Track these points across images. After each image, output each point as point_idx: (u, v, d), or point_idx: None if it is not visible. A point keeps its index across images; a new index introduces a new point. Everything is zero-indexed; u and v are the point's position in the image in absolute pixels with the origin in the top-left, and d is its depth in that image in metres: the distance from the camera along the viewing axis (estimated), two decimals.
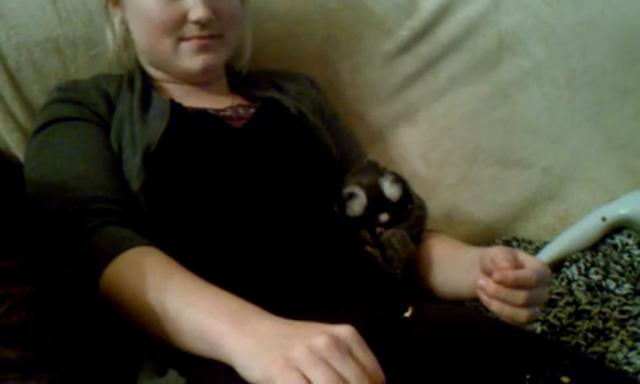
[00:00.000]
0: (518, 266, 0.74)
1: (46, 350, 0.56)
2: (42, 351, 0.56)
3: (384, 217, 0.91)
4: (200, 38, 0.94)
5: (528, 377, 0.63)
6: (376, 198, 0.90)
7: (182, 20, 0.92)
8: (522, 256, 0.77)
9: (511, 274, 0.72)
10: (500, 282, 0.73)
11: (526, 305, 0.73)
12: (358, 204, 0.90)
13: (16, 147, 0.99)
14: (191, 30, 0.93)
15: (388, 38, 1.24)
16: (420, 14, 1.25)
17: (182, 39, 0.94)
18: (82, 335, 0.61)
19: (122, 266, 0.73)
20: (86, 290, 0.67)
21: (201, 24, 0.92)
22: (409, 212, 0.93)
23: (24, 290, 0.56)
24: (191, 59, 0.95)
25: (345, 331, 0.59)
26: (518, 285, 0.73)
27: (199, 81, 0.99)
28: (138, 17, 0.95)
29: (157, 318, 0.68)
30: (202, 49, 0.95)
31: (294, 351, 0.57)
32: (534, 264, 0.75)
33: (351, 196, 0.90)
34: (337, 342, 0.57)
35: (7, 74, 1.01)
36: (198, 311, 0.66)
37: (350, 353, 0.57)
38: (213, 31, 0.94)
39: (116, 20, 1.00)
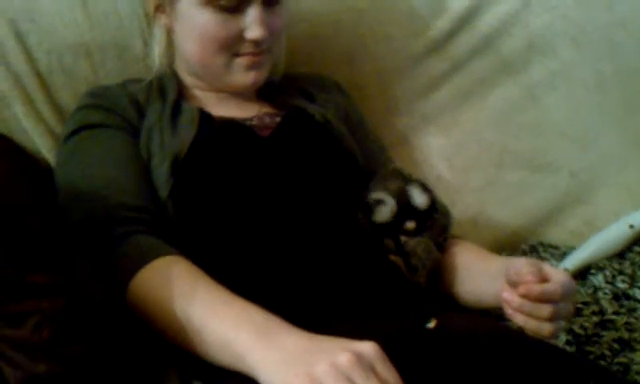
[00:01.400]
0: (543, 279, 0.74)
1: (74, 364, 0.58)
2: (70, 365, 0.57)
3: (410, 224, 0.91)
4: (254, 55, 0.94)
5: None
6: (404, 205, 0.90)
7: (239, 37, 0.93)
8: (548, 269, 0.76)
9: (536, 288, 0.72)
10: (525, 296, 0.73)
11: (551, 319, 0.73)
12: (386, 210, 0.90)
13: (47, 151, 1.01)
14: (246, 47, 0.94)
15: (416, 40, 1.24)
16: (449, 15, 1.24)
17: (235, 55, 0.94)
18: (110, 348, 0.63)
19: (149, 276, 0.74)
20: (113, 300, 0.68)
21: (257, 42, 0.93)
22: (434, 221, 0.93)
23: (53, 304, 0.57)
24: (243, 75, 0.96)
25: (368, 348, 0.59)
26: (543, 299, 0.73)
27: (241, 92, 1.00)
28: (191, 30, 0.94)
29: (182, 328, 0.69)
30: (255, 65, 0.95)
31: (317, 368, 0.58)
32: (559, 277, 0.75)
33: (379, 202, 0.90)
34: (360, 360, 0.58)
35: (38, 78, 1.02)
36: (223, 323, 0.67)
37: (372, 370, 0.58)
38: (265, 47, 0.95)
39: (160, 27, 1.00)
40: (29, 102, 1.01)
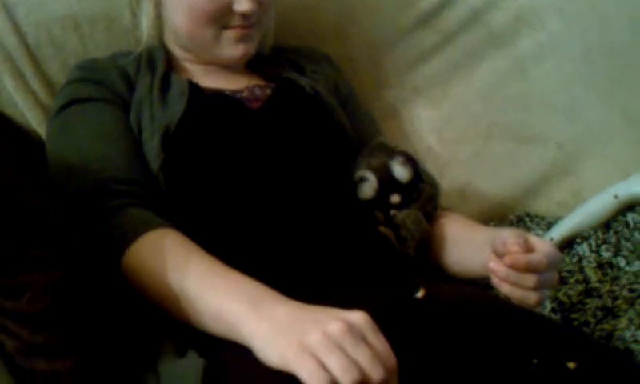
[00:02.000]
0: (528, 249, 0.76)
1: (70, 335, 0.59)
2: (66, 336, 0.59)
3: (395, 198, 0.92)
4: (243, 27, 0.95)
5: (535, 361, 0.65)
6: (386, 180, 0.92)
7: (228, 10, 0.93)
8: (533, 239, 0.78)
9: (522, 259, 0.74)
10: (510, 266, 0.75)
11: (536, 288, 0.75)
12: (368, 187, 0.91)
13: (37, 124, 1.01)
14: (235, 19, 0.94)
15: (406, 12, 1.25)
16: None
17: (224, 27, 0.95)
18: (106, 319, 0.64)
19: (142, 249, 0.75)
20: (108, 273, 0.69)
21: (246, 15, 0.93)
22: (420, 192, 0.94)
23: (49, 277, 0.58)
24: (232, 48, 0.96)
25: (358, 317, 0.61)
26: (528, 269, 0.75)
27: (231, 65, 1.00)
28: (180, 3, 0.94)
29: (177, 300, 0.70)
30: (244, 38, 0.96)
31: (309, 337, 0.59)
32: (544, 248, 0.77)
33: (362, 179, 0.92)
34: (351, 328, 0.59)
35: (27, 51, 1.02)
36: (216, 294, 0.69)
37: (363, 338, 0.59)
38: (254, 20, 0.95)
39: (149, 1, 1.00)
40: (19, 75, 1.01)
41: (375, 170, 0.93)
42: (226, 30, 0.95)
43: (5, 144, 0.76)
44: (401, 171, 0.94)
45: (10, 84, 1.00)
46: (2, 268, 0.55)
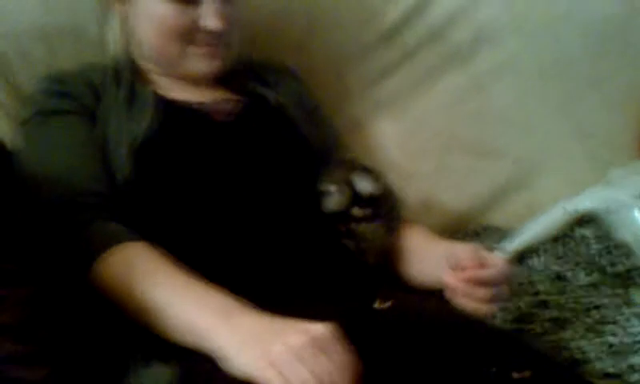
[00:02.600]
0: (481, 264, 0.80)
1: (42, 345, 0.61)
2: (38, 346, 0.61)
3: (358, 211, 0.95)
4: (209, 45, 0.97)
5: (486, 370, 0.69)
6: (349, 194, 0.95)
7: (194, 27, 0.95)
8: (486, 255, 0.83)
9: (474, 273, 0.79)
10: (464, 280, 0.79)
11: (488, 300, 0.80)
12: (331, 201, 0.94)
13: (5, 133, 1.01)
14: (202, 37, 0.96)
15: (368, 29, 1.28)
16: (399, 6, 1.29)
17: (190, 43, 0.96)
18: (77, 330, 0.66)
19: (111, 262, 0.77)
20: (78, 286, 0.71)
21: (213, 33, 0.95)
22: (382, 206, 0.98)
23: (24, 290, 0.60)
24: (197, 63, 0.98)
25: (322, 330, 0.64)
26: (480, 283, 0.79)
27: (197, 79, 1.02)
28: (147, 19, 0.96)
29: (146, 312, 0.72)
30: (210, 55, 0.98)
31: (273, 348, 0.62)
32: (496, 263, 0.82)
33: (325, 193, 0.95)
34: (313, 341, 0.62)
35: None
36: (184, 306, 0.71)
37: (325, 350, 0.62)
38: (220, 38, 0.97)
39: (115, 14, 1.01)
40: None
41: (338, 184, 0.96)
42: (192, 47, 0.97)
43: None
44: (364, 185, 0.97)
45: None
46: None
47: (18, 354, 0.58)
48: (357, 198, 0.96)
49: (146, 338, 0.74)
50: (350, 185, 0.96)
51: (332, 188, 0.95)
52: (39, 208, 0.81)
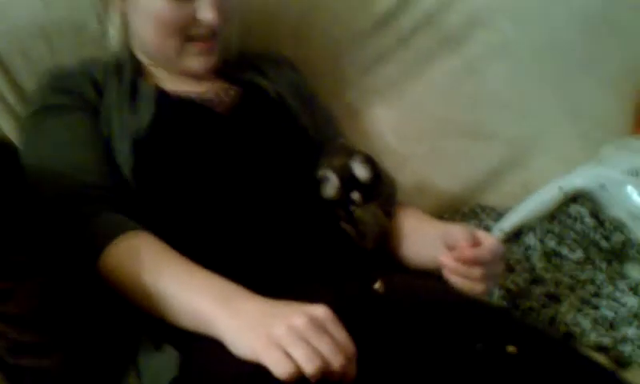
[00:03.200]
0: (475, 244, 0.83)
1: (56, 334, 0.64)
2: (53, 335, 0.64)
3: (356, 195, 0.98)
4: (205, 41, 0.99)
5: (479, 345, 0.72)
6: (347, 179, 0.97)
7: (191, 22, 0.97)
8: (480, 234, 0.85)
9: (469, 253, 0.81)
10: (459, 259, 0.82)
11: (482, 279, 0.82)
12: (330, 186, 0.97)
13: (8, 131, 1.04)
14: (199, 30, 0.98)
15: (362, 16, 1.29)
16: None
17: (187, 40, 0.98)
18: (87, 318, 0.69)
19: (117, 251, 0.79)
20: (86, 275, 0.74)
21: (209, 25, 0.96)
22: (379, 190, 1.00)
23: (34, 281, 0.63)
24: (194, 60, 1.00)
25: (320, 311, 0.67)
26: (474, 262, 0.82)
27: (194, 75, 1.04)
28: (144, 14, 0.98)
29: (152, 299, 0.75)
30: (207, 52, 1.00)
31: (276, 330, 0.65)
32: (489, 242, 0.84)
33: (324, 179, 0.97)
34: (313, 321, 0.65)
35: None
36: (188, 293, 0.74)
37: (324, 330, 0.65)
38: (217, 30, 0.99)
39: (115, 10, 1.03)
40: None
41: (336, 170, 0.99)
42: (189, 43, 0.99)
43: None
44: (361, 170, 0.99)
45: None
46: None
47: (25, 342, 0.61)
48: (354, 183, 0.98)
49: (154, 323, 0.76)
50: (349, 170, 0.99)
51: (330, 174, 0.98)
52: (45, 202, 0.84)
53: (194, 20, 0.97)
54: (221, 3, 0.97)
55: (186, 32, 0.98)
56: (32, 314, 0.62)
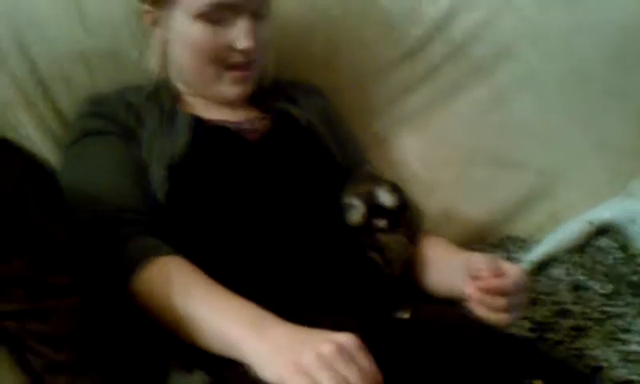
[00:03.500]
0: (499, 274, 0.84)
1: (89, 353, 0.66)
2: (86, 354, 0.66)
3: (381, 223, 0.99)
4: (241, 69, 1.02)
5: (501, 378, 0.72)
6: (373, 206, 0.99)
7: (227, 49, 1.00)
8: (504, 264, 0.86)
9: (492, 283, 0.82)
10: (483, 290, 0.83)
11: (507, 310, 0.83)
12: (356, 213, 0.98)
13: (48, 153, 1.07)
14: (236, 57, 1.01)
15: (392, 46, 1.32)
16: (424, 23, 1.32)
17: (224, 67, 1.02)
18: (120, 339, 0.71)
19: (150, 274, 0.82)
20: (120, 296, 0.77)
21: (246, 52, 1.00)
22: (405, 218, 1.02)
23: (72, 301, 0.65)
24: (231, 88, 1.04)
25: (348, 339, 0.68)
26: (498, 292, 0.82)
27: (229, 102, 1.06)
28: (184, 43, 1.01)
29: (182, 323, 0.77)
30: (243, 80, 1.03)
31: (304, 357, 0.66)
32: (513, 272, 0.85)
33: (350, 206, 0.99)
34: (341, 349, 0.66)
35: (40, 84, 1.09)
36: (218, 316, 0.76)
37: (351, 358, 0.66)
38: (252, 58, 1.02)
39: (155, 39, 1.06)
40: (32, 108, 1.08)
41: (362, 197, 1.00)
42: (227, 71, 1.02)
43: (24, 175, 0.82)
44: (387, 198, 1.01)
45: (23, 117, 1.07)
46: (33, 293, 0.62)
47: (65, 362, 0.63)
48: (380, 210, 1.00)
49: (185, 346, 0.78)
50: (374, 197, 1.00)
51: (355, 201, 1.00)
52: (82, 224, 0.87)
53: (230, 48, 1.00)
54: (257, 32, 1.00)
55: (223, 60, 1.01)
56: (70, 333, 0.64)
